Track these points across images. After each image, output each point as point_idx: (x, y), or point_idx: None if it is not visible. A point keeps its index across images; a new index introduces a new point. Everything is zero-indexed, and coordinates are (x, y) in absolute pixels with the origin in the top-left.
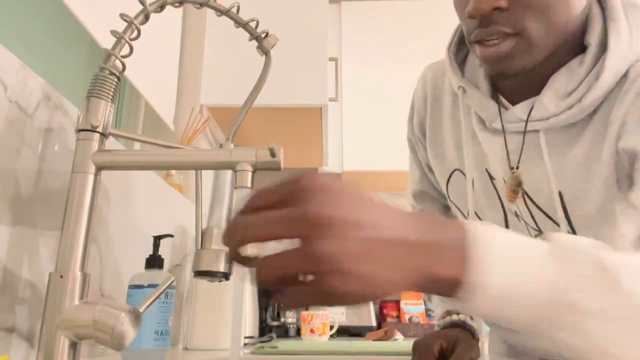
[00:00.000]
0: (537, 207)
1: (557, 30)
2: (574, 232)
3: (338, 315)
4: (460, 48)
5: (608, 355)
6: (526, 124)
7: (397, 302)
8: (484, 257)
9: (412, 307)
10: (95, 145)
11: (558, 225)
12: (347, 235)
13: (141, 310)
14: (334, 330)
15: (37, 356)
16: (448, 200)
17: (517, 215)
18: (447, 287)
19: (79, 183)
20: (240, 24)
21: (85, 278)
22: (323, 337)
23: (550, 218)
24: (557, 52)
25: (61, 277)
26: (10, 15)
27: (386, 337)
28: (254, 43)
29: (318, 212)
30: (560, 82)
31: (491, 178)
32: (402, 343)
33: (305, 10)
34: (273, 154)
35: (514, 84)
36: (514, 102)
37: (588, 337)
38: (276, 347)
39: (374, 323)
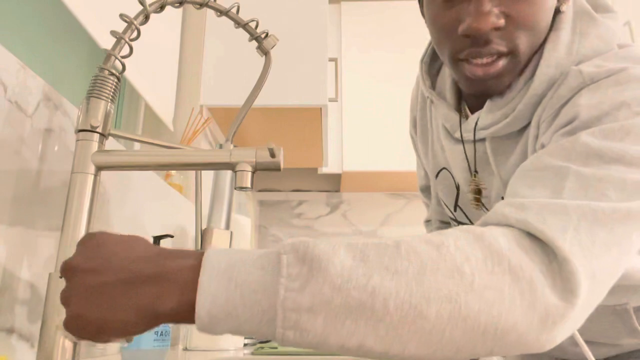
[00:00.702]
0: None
1: (535, 47)
2: None
3: None
4: (434, 59)
5: (344, 348)
6: (474, 133)
7: None
8: (205, 284)
9: None
10: (95, 146)
11: None
12: (77, 282)
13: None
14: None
15: (36, 356)
16: (437, 197)
17: None
18: (177, 317)
19: (79, 183)
20: (240, 24)
21: None
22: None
23: None
24: None
25: (61, 277)
26: (10, 15)
27: None
28: (254, 43)
29: (65, 262)
30: (504, 90)
31: (457, 186)
32: None
33: (305, 11)
34: (273, 155)
35: (477, 97)
36: (474, 112)
37: (312, 333)
38: (276, 348)
39: None
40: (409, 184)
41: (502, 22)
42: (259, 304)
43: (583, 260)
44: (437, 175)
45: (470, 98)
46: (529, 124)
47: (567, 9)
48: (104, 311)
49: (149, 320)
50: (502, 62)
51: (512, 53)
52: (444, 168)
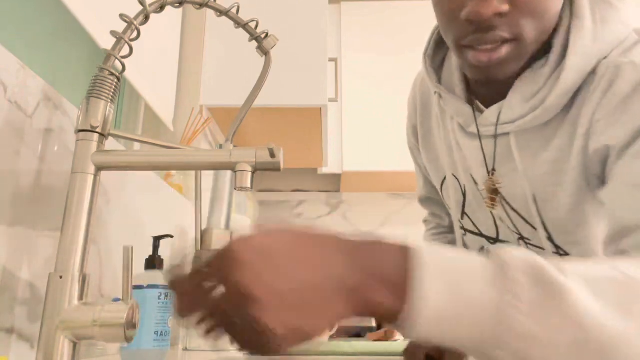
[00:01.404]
0: (515, 211)
1: (544, 35)
2: (550, 236)
3: None
4: (437, 52)
5: None
6: (496, 127)
7: None
8: (423, 282)
9: None
10: (94, 146)
11: (535, 229)
12: (268, 301)
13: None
14: (333, 331)
15: (36, 357)
16: (445, 203)
17: (501, 219)
18: (384, 314)
19: (79, 183)
20: (240, 24)
21: (84, 279)
22: (323, 338)
23: (527, 222)
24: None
25: (61, 277)
26: (10, 15)
27: (386, 337)
28: (254, 43)
29: (240, 286)
30: (524, 84)
31: (475, 183)
32: (402, 344)
33: (305, 11)
34: (273, 155)
35: (489, 87)
36: (488, 106)
37: None
38: None
39: (374, 324)
40: (409, 184)
41: (505, 7)
42: (482, 320)
43: None
44: (442, 182)
45: (481, 90)
46: (566, 113)
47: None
48: (303, 314)
49: (356, 311)
50: (505, 49)
51: (516, 39)
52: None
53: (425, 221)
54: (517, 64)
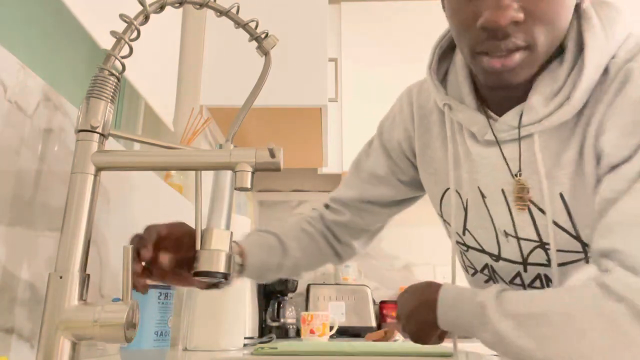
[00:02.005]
0: (541, 211)
1: (556, 41)
2: (577, 234)
3: (338, 316)
4: (440, 66)
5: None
6: (519, 130)
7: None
8: (441, 314)
9: None
10: (94, 146)
11: (570, 233)
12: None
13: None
14: (333, 331)
15: (36, 357)
16: (440, 218)
17: (506, 234)
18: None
19: (79, 183)
20: (240, 24)
21: (84, 279)
22: (323, 338)
23: (555, 224)
24: None
25: (61, 277)
26: (10, 15)
27: (386, 337)
28: (254, 43)
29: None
30: (544, 84)
31: (482, 196)
32: (402, 344)
33: (305, 11)
34: (273, 155)
35: (501, 95)
36: (500, 113)
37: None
38: (276, 348)
39: (373, 324)
40: None
41: (521, 16)
42: (472, 324)
43: None
44: (442, 196)
45: (491, 98)
46: (580, 112)
47: (587, 3)
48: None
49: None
50: (519, 55)
51: (529, 47)
52: (449, 188)
53: (326, 206)
54: (529, 70)
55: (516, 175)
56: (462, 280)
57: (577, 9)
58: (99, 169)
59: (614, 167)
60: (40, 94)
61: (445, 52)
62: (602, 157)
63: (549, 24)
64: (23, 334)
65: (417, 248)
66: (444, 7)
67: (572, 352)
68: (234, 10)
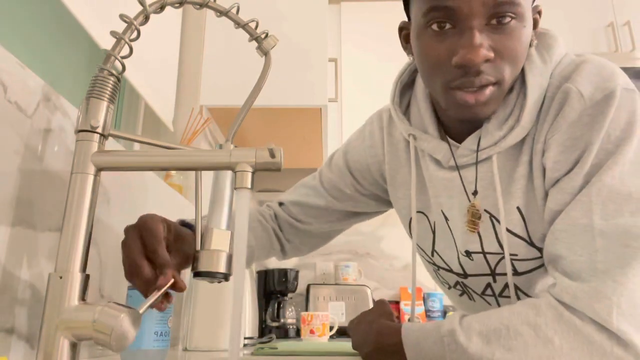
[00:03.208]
0: (507, 229)
1: (516, 76)
2: (533, 242)
3: (338, 316)
4: (402, 99)
5: None
6: (477, 153)
7: (397, 303)
8: (412, 351)
9: None
10: (94, 146)
11: (526, 241)
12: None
13: (141, 311)
14: (333, 331)
15: (36, 357)
16: (410, 239)
17: (468, 253)
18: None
19: (79, 184)
20: (240, 24)
21: (84, 279)
22: (323, 338)
23: (515, 235)
24: None
25: (61, 277)
26: (10, 15)
27: None
28: (254, 44)
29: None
30: (498, 111)
31: (446, 219)
32: None
33: (305, 11)
34: (273, 155)
35: (462, 125)
36: (459, 140)
37: None
38: (276, 348)
39: None
40: None
41: (491, 54)
42: (443, 357)
43: (630, 328)
44: (410, 220)
45: (453, 127)
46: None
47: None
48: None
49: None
50: (489, 90)
51: (498, 83)
52: (418, 212)
53: (280, 204)
54: (497, 103)
55: (473, 193)
56: (425, 278)
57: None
58: (99, 169)
59: (557, 181)
60: (40, 94)
61: (405, 86)
62: (546, 172)
63: (513, 61)
64: (23, 334)
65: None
66: (404, 47)
67: (545, 358)
68: (234, 11)
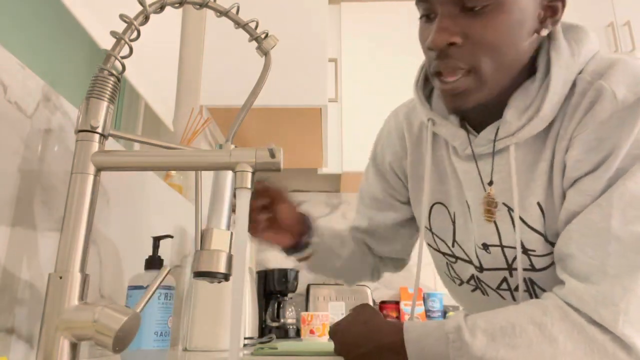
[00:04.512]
0: (520, 219)
1: (507, 67)
2: (550, 240)
3: (338, 316)
4: (426, 85)
5: None
6: (494, 143)
7: (397, 303)
8: (409, 350)
9: None
10: (94, 146)
11: (541, 235)
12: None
13: (139, 310)
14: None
15: (36, 357)
16: (430, 232)
17: (485, 246)
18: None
19: (79, 184)
20: (240, 24)
21: (84, 279)
22: (323, 338)
23: (534, 229)
24: (513, 82)
25: (60, 278)
26: (10, 15)
27: None
28: (254, 44)
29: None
30: (518, 100)
31: (469, 209)
32: None
33: (305, 11)
34: (272, 155)
35: (480, 113)
36: (479, 131)
37: None
38: (276, 348)
39: None
40: None
41: (456, 39)
42: (446, 355)
43: (634, 333)
44: (430, 210)
45: (473, 117)
46: (551, 125)
47: (553, 30)
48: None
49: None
50: (464, 79)
51: (473, 71)
52: (437, 202)
53: (353, 227)
54: (478, 95)
55: (489, 184)
56: (429, 276)
57: (550, 34)
58: (99, 169)
59: (575, 181)
60: (40, 94)
61: None
62: (565, 170)
63: (490, 48)
64: (23, 334)
65: (417, 248)
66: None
67: (549, 357)
68: (234, 11)
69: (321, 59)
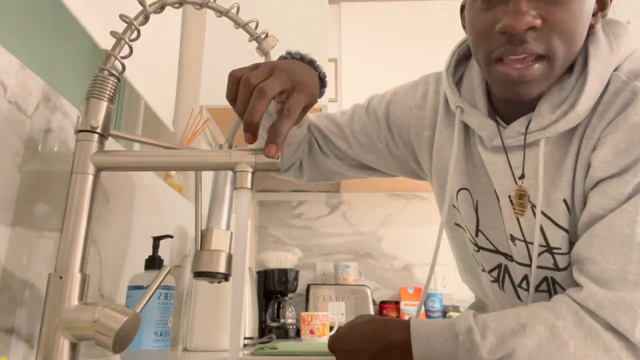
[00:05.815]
0: (546, 216)
1: (571, 56)
2: (572, 243)
3: (338, 316)
4: (456, 70)
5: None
6: (525, 136)
7: (397, 303)
8: (415, 349)
9: (412, 307)
10: (94, 146)
11: (567, 232)
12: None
13: (139, 310)
14: (333, 331)
15: (36, 357)
16: (458, 212)
17: (512, 238)
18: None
19: (79, 184)
20: (240, 24)
21: (84, 279)
22: (323, 338)
23: (562, 228)
24: None
25: (60, 278)
26: (10, 15)
27: None
28: (254, 44)
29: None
30: (553, 93)
31: (497, 199)
32: None
33: (305, 11)
34: None
35: (512, 105)
36: (509, 122)
37: None
38: (276, 348)
39: None
40: (409, 185)
41: (538, 22)
42: (455, 355)
43: None
44: (457, 194)
45: (502, 106)
46: (576, 126)
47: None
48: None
49: None
50: (537, 66)
51: (547, 56)
52: (462, 188)
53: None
54: (544, 83)
55: (520, 178)
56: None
57: (590, 29)
58: (98, 169)
59: (598, 182)
60: (40, 94)
61: (462, 58)
62: (590, 169)
63: (565, 34)
64: (23, 334)
65: (417, 248)
66: (464, 26)
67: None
68: (234, 11)
69: (321, 59)
